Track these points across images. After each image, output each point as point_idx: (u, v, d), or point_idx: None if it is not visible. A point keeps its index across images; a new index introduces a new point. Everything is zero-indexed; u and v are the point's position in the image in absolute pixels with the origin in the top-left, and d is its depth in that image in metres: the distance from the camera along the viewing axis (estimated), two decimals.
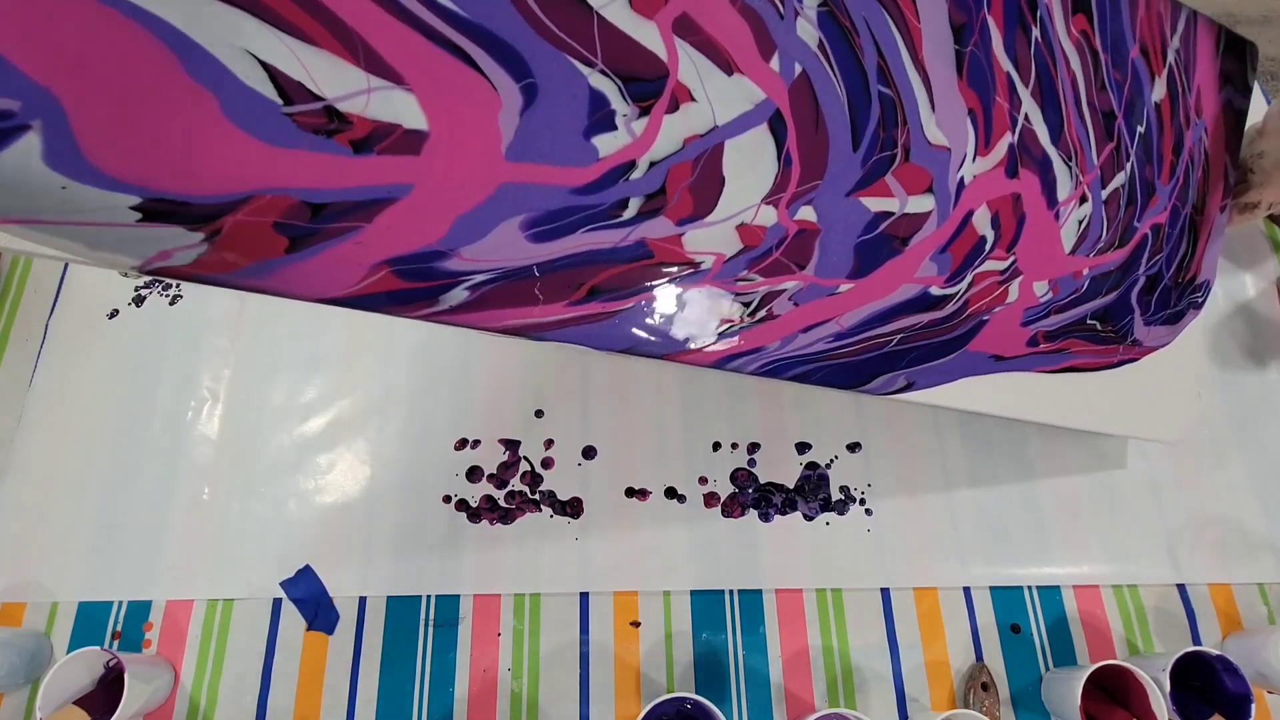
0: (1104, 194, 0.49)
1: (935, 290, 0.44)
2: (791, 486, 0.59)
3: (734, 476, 0.59)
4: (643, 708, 0.45)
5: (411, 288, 0.32)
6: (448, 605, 0.55)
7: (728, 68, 0.37)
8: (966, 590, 0.56)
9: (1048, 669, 0.54)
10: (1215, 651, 0.48)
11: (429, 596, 0.55)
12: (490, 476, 0.58)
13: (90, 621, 0.54)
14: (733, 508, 0.58)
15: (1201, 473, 0.61)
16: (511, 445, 0.59)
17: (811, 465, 0.59)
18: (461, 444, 0.59)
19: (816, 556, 0.56)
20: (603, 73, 0.34)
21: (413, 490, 0.58)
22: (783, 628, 0.54)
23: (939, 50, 0.43)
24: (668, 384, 0.61)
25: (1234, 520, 0.59)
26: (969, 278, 0.45)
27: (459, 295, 0.33)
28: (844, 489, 0.59)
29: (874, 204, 0.41)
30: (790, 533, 0.57)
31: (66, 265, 0.64)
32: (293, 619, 0.54)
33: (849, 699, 0.53)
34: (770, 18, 0.38)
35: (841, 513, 0.58)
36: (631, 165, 0.35)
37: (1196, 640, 0.56)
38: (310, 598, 0.54)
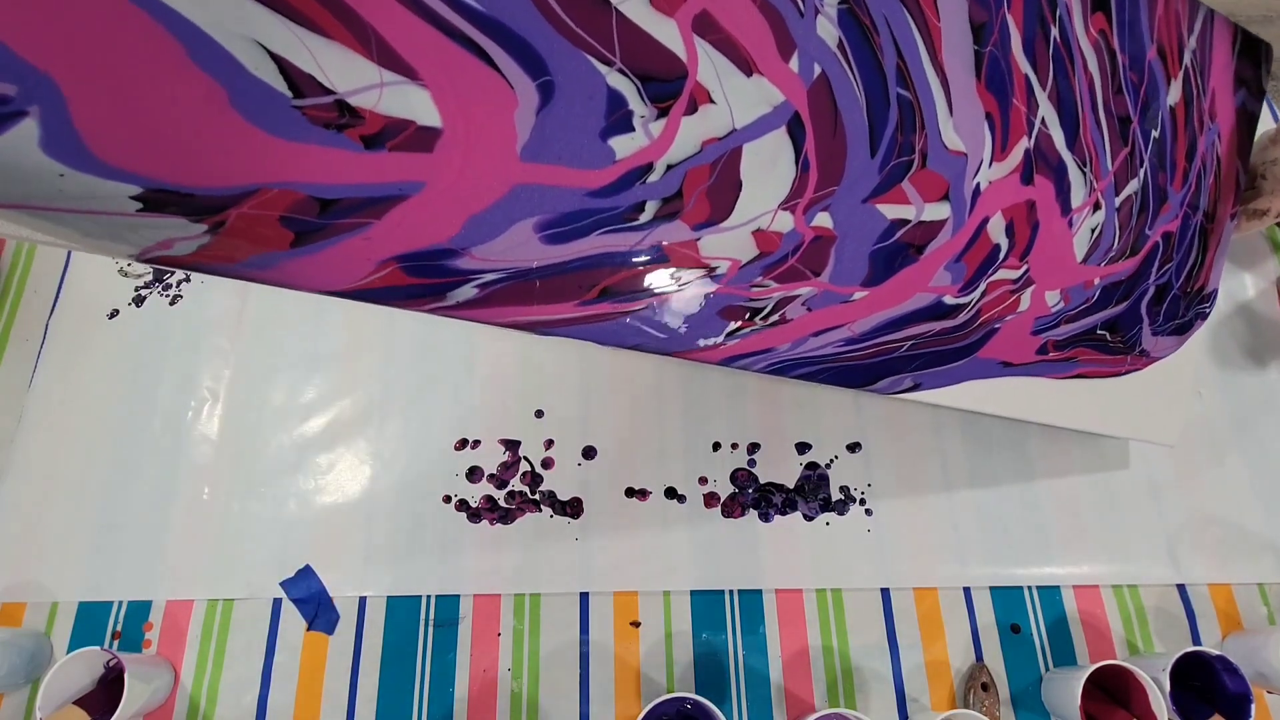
0: (1117, 201, 0.49)
1: (949, 299, 0.43)
2: (791, 486, 0.58)
3: (734, 476, 0.59)
4: (643, 708, 0.45)
5: (419, 283, 0.31)
6: (448, 605, 0.55)
7: (747, 68, 0.36)
8: (966, 590, 0.56)
9: (1048, 669, 0.54)
10: (1215, 651, 0.48)
11: (429, 596, 0.55)
12: (490, 476, 0.58)
13: (90, 621, 0.54)
14: (733, 508, 0.58)
15: (1201, 473, 0.61)
16: (511, 445, 0.59)
17: (811, 465, 0.59)
18: (461, 444, 0.59)
19: (816, 556, 0.56)
20: (621, 72, 0.34)
21: (413, 490, 0.58)
22: (783, 628, 0.54)
23: (958, 51, 0.42)
24: (668, 384, 0.61)
25: (1234, 520, 0.59)
26: (982, 286, 0.44)
27: (467, 292, 0.32)
28: (844, 489, 0.59)
29: (890, 211, 0.41)
30: (790, 533, 0.57)
31: (66, 266, 0.64)
32: (293, 619, 0.54)
33: (849, 699, 0.53)
34: (790, 15, 0.37)
35: (841, 513, 0.58)
36: (649, 168, 0.35)
37: (1196, 640, 0.56)
38: (310, 598, 0.54)
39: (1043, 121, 0.46)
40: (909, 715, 0.53)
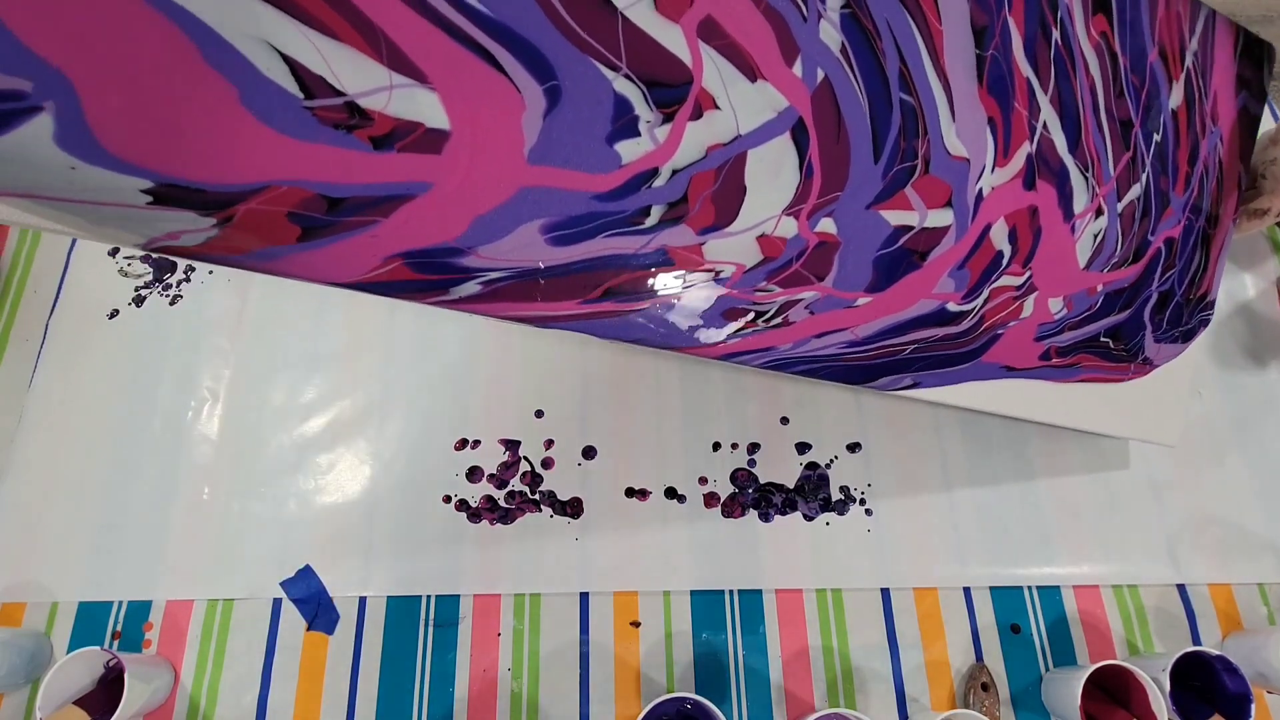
0: (1119, 206, 0.49)
1: (952, 306, 0.43)
2: (791, 486, 0.58)
3: (734, 476, 0.59)
4: (643, 708, 0.45)
5: (424, 279, 0.32)
6: (448, 605, 0.55)
7: (751, 74, 0.36)
8: (966, 590, 0.56)
9: (1048, 669, 0.54)
10: (1215, 651, 0.48)
11: (429, 596, 0.55)
12: (490, 476, 0.58)
13: (90, 621, 0.54)
14: (733, 508, 0.58)
15: (1201, 473, 0.61)
16: (511, 445, 0.59)
17: (811, 465, 0.59)
18: (461, 444, 0.59)
19: (816, 556, 0.56)
20: (627, 77, 0.34)
21: (413, 490, 0.58)
22: (783, 628, 0.54)
23: (960, 55, 0.42)
24: (668, 384, 0.61)
25: (1234, 520, 0.59)
26: (985, 293, 0.44)
27: (471, 288, 0.33)
28: (844, 489, 0.59)
29: (894, 217, 0.41)
30: (790, 533, 0.57)
31: (66, 266, 0.64)
32: (293, 619, 0.54)
33: (849, 699, 0.53)
34: (793, 19, 0.37)
35: (841, 513, 0.58)
36: (654, 173, 0.35)
37: (1196, 640, 0.56)
38: (310, 598, 0.54)
39: (1044, 126, 0.46)
40: (909, 715, 0.53)
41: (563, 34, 0.33)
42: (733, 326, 0.38)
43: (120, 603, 0.54)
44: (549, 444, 0.59)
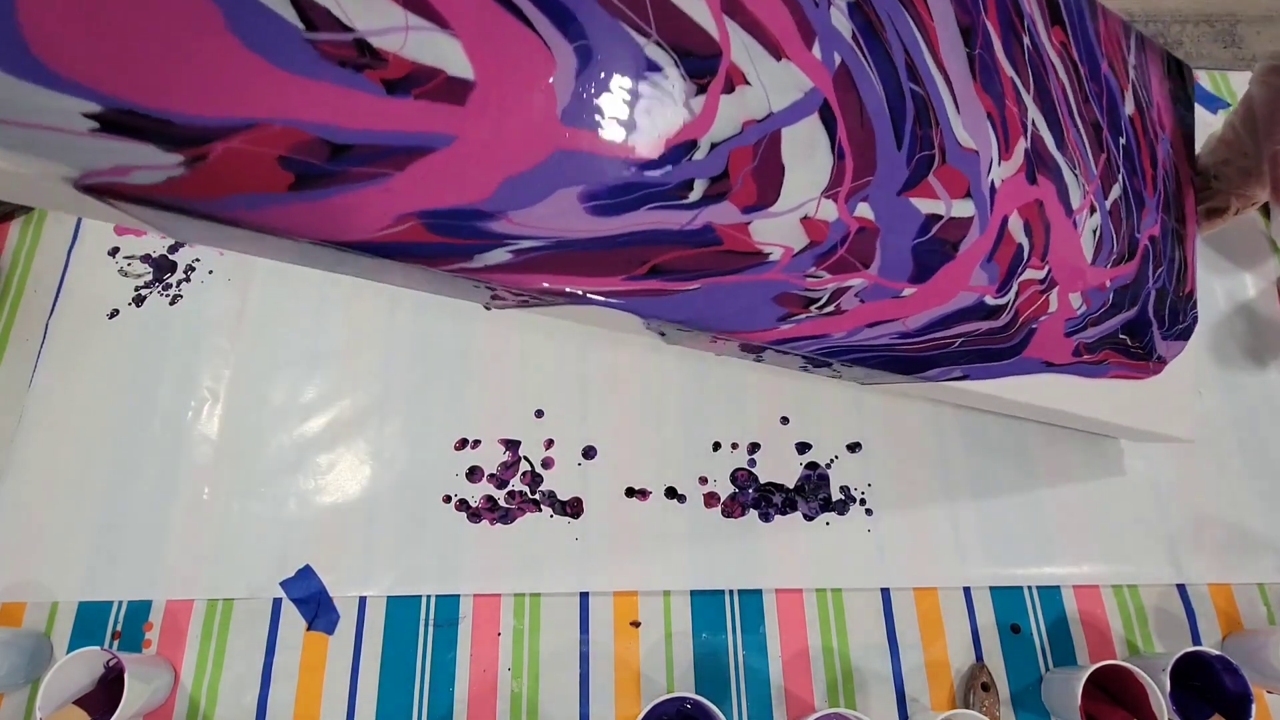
0: (1107, 204, 0.49)
1: (989, 300, 0.43)
2: (791, 486, 0.58)
3: (734, 476, 0.59)
4: (643, 708, 0.45)
5: (443, 242, 0.29)
6: (448, 605, 0.55)
7: (776, 52, 0.36)
8: (966, 590, 0.56)
9: (1048, 669, 0.54)
10: (1215, 651, 0.48)
11: (429, 596, 0.55)
12: (490, 476, 0.58)
13: (90, 621, 0.54)
14: (733, 508, 0.58)
15: (1201, 473, 0.61)
16: (511, 445, 0.59)
17: (811, 465, 0.59)
18: (461, 444, 0.59)
19: (816, 556, 0.56)
20: (658, 44, 0.33)
21: (413, 490, 0.58)
22: (783, 628, 0.55)
23: (954, 51, 0.42)
24: (668, 384, 0.61)
25: (1234, 520, 0.59)
26: (1015, 287, 0.45)
27: (499, 256, 0.30)
28: (844, 489, 0.59)
29: (923, 205, 0.41)
30: (790, 533, 0.57)
31: (66, 266, 0.64)
32: (293, 619, 0.54)
33: (849, 699, 0.53)
34: (806, 3, 0.37)
35: (841, 513, 0.58)
36: (694, 145, 0.34)
37: (1196, 640, 0.56)
38: (310, 598, 0.54)
39: (1033, 123, 0.46)
40: (909, 715, 0.53)
41: None
42: (784, 312, 0.37)
43: (120, 603, 0.54)
44: (549, 444, 0.59)
